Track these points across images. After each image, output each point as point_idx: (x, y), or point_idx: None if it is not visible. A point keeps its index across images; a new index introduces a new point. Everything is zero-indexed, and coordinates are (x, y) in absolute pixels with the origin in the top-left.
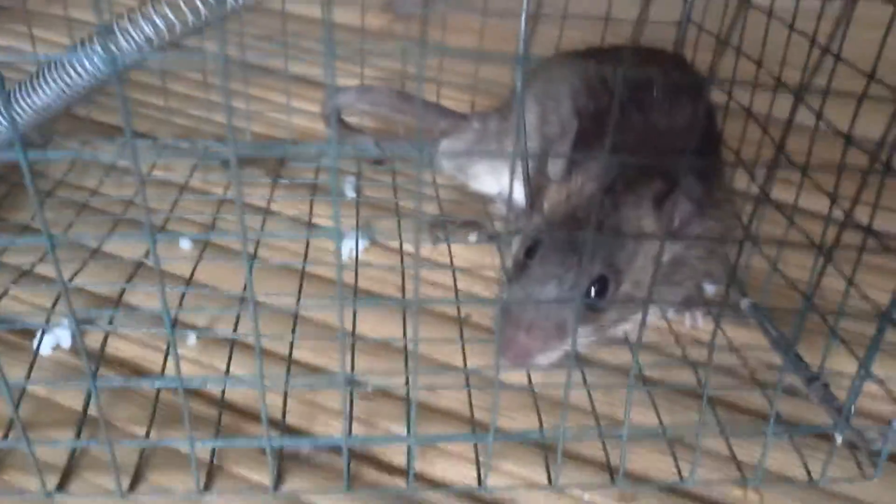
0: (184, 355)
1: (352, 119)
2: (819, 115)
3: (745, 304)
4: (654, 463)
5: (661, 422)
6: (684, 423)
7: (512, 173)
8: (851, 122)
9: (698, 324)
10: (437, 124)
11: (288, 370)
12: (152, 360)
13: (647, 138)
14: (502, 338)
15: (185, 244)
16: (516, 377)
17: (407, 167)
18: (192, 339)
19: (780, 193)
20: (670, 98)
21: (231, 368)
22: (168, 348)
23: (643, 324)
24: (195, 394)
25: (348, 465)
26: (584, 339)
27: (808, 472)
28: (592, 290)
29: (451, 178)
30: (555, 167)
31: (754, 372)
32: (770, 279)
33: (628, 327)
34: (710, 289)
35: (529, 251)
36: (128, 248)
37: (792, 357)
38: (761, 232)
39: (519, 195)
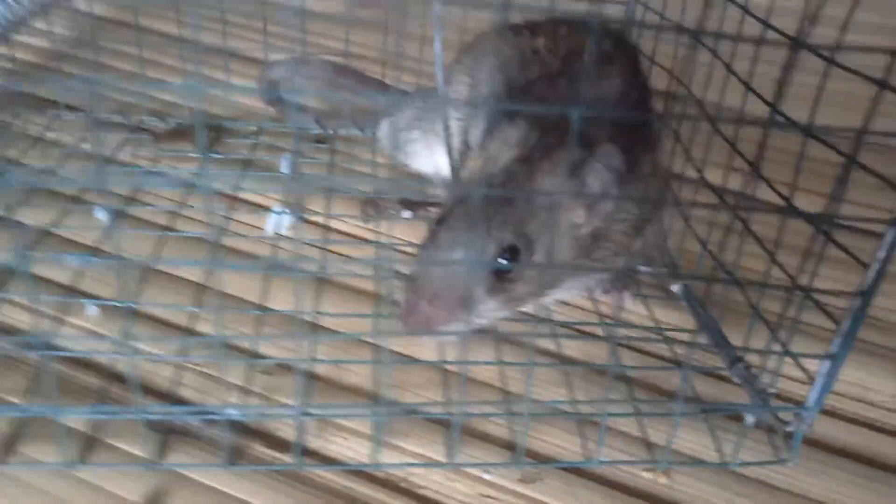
0: (82, 326)
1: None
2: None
3: (676, 286)
4: (562, 443)
5: (572, 401)
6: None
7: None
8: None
9: (625, 304)
10: (376, 100)
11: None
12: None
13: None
14: (403, 305)
15: (101, 215)
16: (427, 352)
17: (349, 146)
18: (92, 309)
19: (714, 177)
20: (601, 69)
21: (129, 340)
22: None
23: (541, 295)
24: (84, 365)
25: (230, 439)
26: (494, 312)
27: (721, 455)
28: (501, 261)
29: (392, 157)
30: (474, 136)
31: (679, 353)
32: (701, 260)
33: (545, 302)
34: (645, 270)
35: (441, 220)
36: (42, 216)
37: (717, 337)
38: (695, 215)
39: (445, 168)
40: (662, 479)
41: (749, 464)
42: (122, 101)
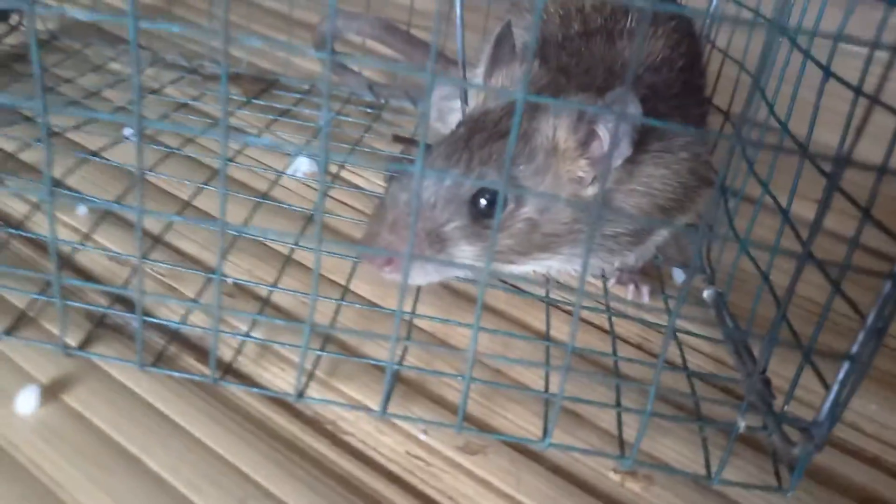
0: (69, 223)
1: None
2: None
3: (708, 291)
4: (520, 422)
5: (547, 382)
6: (586, 393)
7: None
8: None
9: (643, 298)
10: (424, 64)
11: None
12: (34, 219)
13: (607, 66)
14: (365, 231)
15: (129, 132)
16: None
17: (397, 117)
18: (82, 209)
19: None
20: (644, 27)
21: (106, 241)
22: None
23: (529, 256)
24: (44, 249)
25: (142, 338)
26: (469, 259)
27: (708, 469)
28: (482, 200)
29: (435, 128)
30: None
31: (689, 360)
32: (736, 265)
33: (532, 267)
34: (678, 275)
35: (428, 150)
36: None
37: (740, 349)
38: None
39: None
40: (633, 485)
41: (735, 484)
42: (189, 50)
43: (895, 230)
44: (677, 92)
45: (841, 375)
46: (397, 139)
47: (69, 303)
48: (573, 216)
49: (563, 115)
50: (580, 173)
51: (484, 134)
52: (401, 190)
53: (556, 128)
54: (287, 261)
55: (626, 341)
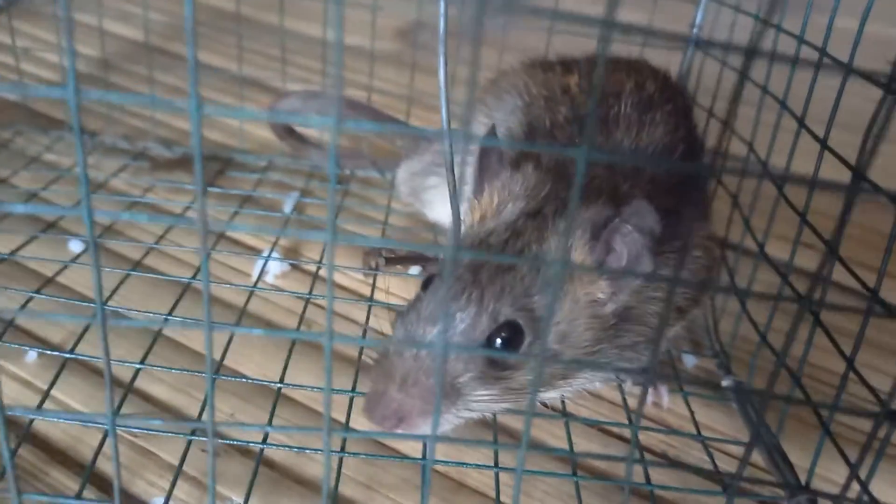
0: (18, 375)
1: (311, 133)
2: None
3: (727, 381)
4: None
5: None
6: None
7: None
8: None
9: (662, 401)
10: (393, 141)
11: (122, 401)
12: None
13: (607, 163)
14: (370, 392)
15: (76, 246)
16: (410, 445)
17: (364, 189)
18: (31, 354)
19: (776, 250)
20: (641, 115)
21: (62, 395)
22: None
23: (550, 387)
24: None
25: None
26: (488, 404)
27: None
28: (498, 340)
29: (409, 203)
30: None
31: (724, 470)
32: (758, 352)
33: (553, 395)
34: (689, 360)
35: (426, 284)
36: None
37: (774, 455)
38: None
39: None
40: None
41: None
42: (132, 126)
43: None
44: (680, 180)
45: None
46: (390, 262)
47: (28, 497)
48: (594, 339)
49: (577, 235)
50: (600, 294)
51: (492, 264)
52: (407, 338)
53: (571, 249)
54: (276, 399)
55: (650, 451)
